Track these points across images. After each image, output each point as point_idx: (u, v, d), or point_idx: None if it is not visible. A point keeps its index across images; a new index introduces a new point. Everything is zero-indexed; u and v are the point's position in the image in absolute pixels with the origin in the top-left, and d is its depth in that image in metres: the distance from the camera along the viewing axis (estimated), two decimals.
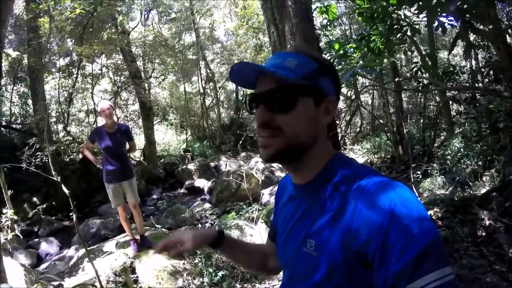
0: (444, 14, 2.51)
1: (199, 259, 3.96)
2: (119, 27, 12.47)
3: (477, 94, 6.54)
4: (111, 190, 4.24)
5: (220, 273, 3.67)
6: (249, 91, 0.90)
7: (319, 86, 0.83)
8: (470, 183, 6.02)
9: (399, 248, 0.64)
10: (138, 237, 4.45)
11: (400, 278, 0.64)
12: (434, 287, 0.62)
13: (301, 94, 0.81)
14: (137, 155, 14.14)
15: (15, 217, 6.26)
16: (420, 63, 6.27)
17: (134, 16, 15.95)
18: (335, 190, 0.79)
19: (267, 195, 8.99)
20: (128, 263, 3.81)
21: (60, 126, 12.89)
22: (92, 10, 8.86)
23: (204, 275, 3.70)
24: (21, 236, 7.16)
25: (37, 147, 9.19)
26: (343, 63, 4.88)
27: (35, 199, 10.03)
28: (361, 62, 4.53)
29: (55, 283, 3.80)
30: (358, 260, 0.70)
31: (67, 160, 11.27)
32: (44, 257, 7.28)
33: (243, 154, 15.50)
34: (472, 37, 4.57)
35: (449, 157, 7.13)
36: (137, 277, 3.74)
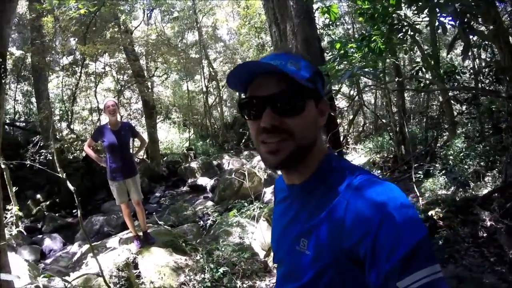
0: (444, 14, 2.53)
1: (201, 256, 4.01)
2: (122, 26, 12.51)
3: (478, 94, 6.54)
4: (115, 188, 4.29)
5: (221, 270, 3.72)
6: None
7: (318, 88, 0.85)
8: (472, 184, 6.01)
9: (390, 247, 0.66)
10: (141, 233, 4.50)
11: (390, 276, 0.65)
12: (422, 284, 0.64)
13: (308, 96, 0.81)
14: (140, 153, 14.20)
15: (20, 213, 6.33)
16: (421, 62, 6.27)
17: (136, 15, 16.01)
18: (327, 190, 0.80)
19: (269, 194, 9.01)
20: (131, 259, 3.87)
21: (64, 124, 12.98)
22: (96, 10, 8.91)
23: (206, 271, 3.74)
24: (25, 233, 7.27)
25: (41, 145, 9.27)
26: (344, 62, 4.90)
27: (38, 196, 10.13)
28: (361, 62, 4.55)
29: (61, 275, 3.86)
30: (350, 259, 0.72)
31: (71, 158, 11.36)
32: (47, 253, 7.37)
33: (245, 152, 15.52)
34: (475, 37, 4.57)
35: (451, 157, 7.11)
36: (139, 272, 3.80)
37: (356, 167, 0.85)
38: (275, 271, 4.30)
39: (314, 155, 0.86)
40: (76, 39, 11.76)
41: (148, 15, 16.69)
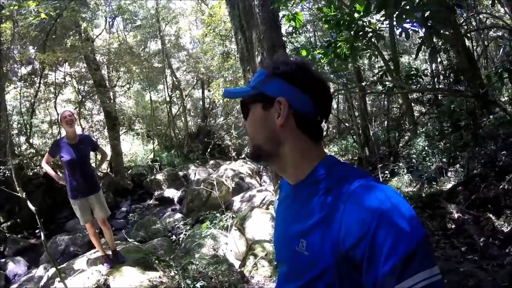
0: (408, 21, 2.61)
1: (176, 272, 3.88)
2: (83, 34, 12.16)
3: (439, 95, 6.86)
4: (78, 206, 3.96)
5: (198, 285, 3.61)
6: None
7: (264, 91, 0.89)
8: (437, 179, 6.27)
9: (388, 250, 0.66)
10: (109, 252, 4.26)
11: (389, 278, 0.65)
12: (421, 286, 0.64)
13: (250, 102, 0.92)
14: (103, 166, 13.73)
15: None
16: (384, 67, 6.48)
17: (98, 23, 15.56)
18: (325, 192, 0.80)
19: (238, 202, 8.97)
20: (102, 281, 3.66)
21: (23, 138, 12.29)
22: (57, 15, 8.55)
23: None
24: None
25: None
26: None
27: None
28: (327, 68, 4.64)
29: None
30: (348, 261, 0.71)
31: (31, 174, 10.75)
32: (12, 278, 6.91)
33: (211, 162, 15.43)
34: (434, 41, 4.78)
35: (414, 156, 7.39)
36: None
37: (354, 169, 0.86)
38: (252, 280, 4.24)
39: (291, 155, 0.88)
40: (36, 47, 11.26)
41: (110, 23, 16.27)
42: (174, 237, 6.00)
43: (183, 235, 5.63)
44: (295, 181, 0.90)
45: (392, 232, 0.66)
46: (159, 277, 3.86)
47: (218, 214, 5.75)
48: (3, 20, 8.47)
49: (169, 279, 3.81)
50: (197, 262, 4.08)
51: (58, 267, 3.68)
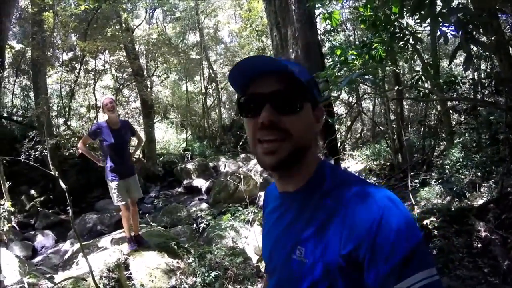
0: (446, 24, 2.51)
1: (193, 259, 3.97)
2: (123, 24, 12.55)
3: (477, 105, 6.55)
4: (117, 188, 4.08)
5: (213, 274, 3.67)
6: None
7: (314, 93, 0.86)
8: (468, 194, 5.99)
9: (388, 251, 0.67)
10: (133, 233, 4.39)
11: (388, 278, 0.67)
12: (420, 286, 0.65)
13: (305, 98, 0.82)
14: (137, 152, 14.13)
15: (12, 209, 6.27)
16: (421, 71, 6.25)
17: (139, 14, 16.04)
18: (324, 197, 0.80)
19: None
20: (122, 260, 3.81)
21: (61, 120, 12.92)
22: (98, 6, 8.92)
23: (197, 275, 3.70)
24: (18, 228, 7.20)
25: (37, 140, 9.19)
26: (344, 69, 4.89)
27: (33, 191, 10.06)
28: (361, 69, 4.52)
29: (48, 276, 3.80)
30: (349, 263, 0.72)
31: (67, 154, 11.27)
32: (39, 249, 7.31)
33: (242, 155, 15.50)
34: (475, 47, 4.57)
35: (447, 166, 7.11)
36: (130, 274, 3.75)
37: (351, 174, 0.88)
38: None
39: (309, 161, 0.86)
40: (77, 35, 11.76)
41: (150, 14, 16.72)
42: (195, 225, 6.11)
43: (204, 224, 5.72)
44: (294, 188, 0.87)
45: (392, 234, 0.68)
46: (177, 262, 3.97)
47: (240, 208, 5.79)
48: (46, 8, 8.90)
49: (186, 265, 3.91)
50: (215, 252, 4.15)
51: (83, 243, 3.86)
